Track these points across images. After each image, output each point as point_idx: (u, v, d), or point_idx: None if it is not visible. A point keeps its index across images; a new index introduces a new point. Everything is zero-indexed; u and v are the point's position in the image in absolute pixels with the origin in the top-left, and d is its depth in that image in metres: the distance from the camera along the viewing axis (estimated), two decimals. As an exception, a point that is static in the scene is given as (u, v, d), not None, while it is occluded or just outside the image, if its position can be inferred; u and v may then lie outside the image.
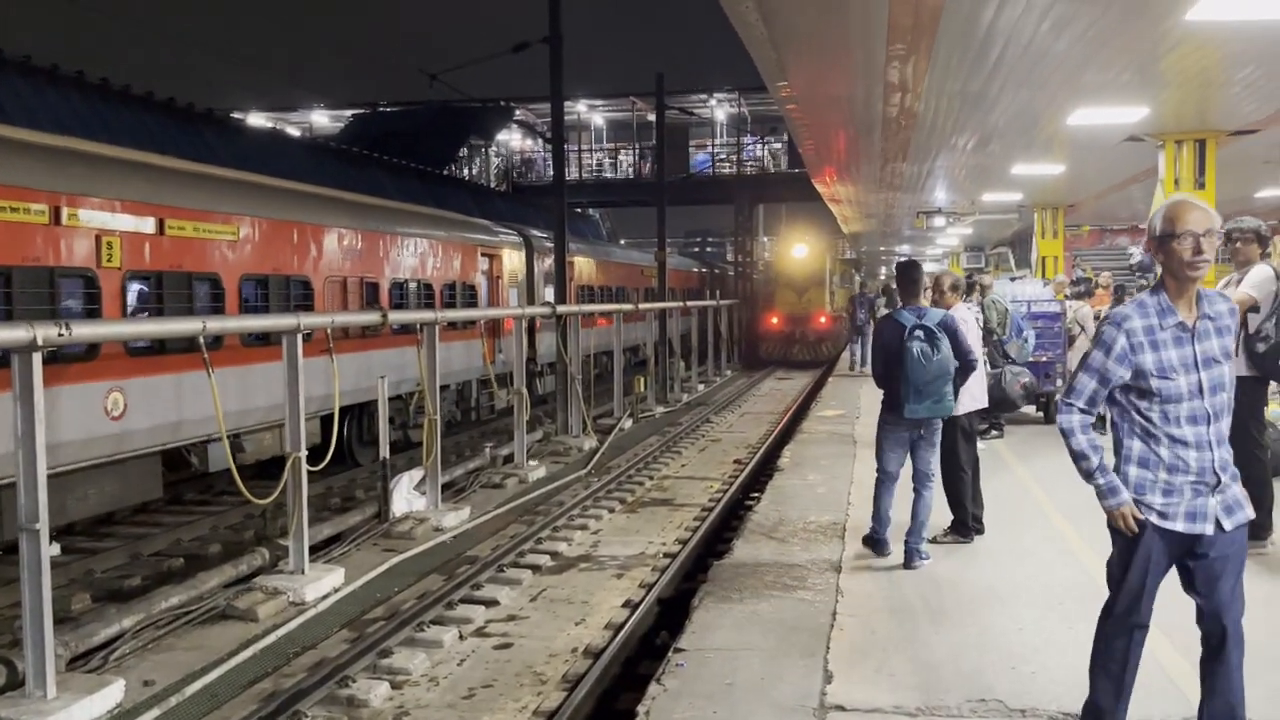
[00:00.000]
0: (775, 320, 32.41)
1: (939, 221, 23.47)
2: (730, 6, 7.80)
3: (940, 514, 7.81)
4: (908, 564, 7.26)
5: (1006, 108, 11.69)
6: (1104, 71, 9.81)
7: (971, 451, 7.91)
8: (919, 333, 7.02)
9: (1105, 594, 6.28)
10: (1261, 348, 6.81)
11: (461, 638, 7.45)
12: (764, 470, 13.23)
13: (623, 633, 7.30)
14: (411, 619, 7.62)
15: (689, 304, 26.61)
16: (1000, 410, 9.50)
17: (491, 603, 8.19)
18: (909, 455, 7.46)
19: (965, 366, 7.23)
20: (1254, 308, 6.86)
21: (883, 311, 21.65)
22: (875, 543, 7.58)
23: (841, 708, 4.79)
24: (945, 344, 7.05)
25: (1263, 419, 7.16)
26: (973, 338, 7.83)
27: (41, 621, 5.85)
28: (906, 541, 7.28)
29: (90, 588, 8.76)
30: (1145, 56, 9.26)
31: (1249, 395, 6.95)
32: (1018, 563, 7.27)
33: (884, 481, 7.53)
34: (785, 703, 4.89)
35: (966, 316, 8.02)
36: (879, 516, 7.54)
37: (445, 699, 6.39)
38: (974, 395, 7.86)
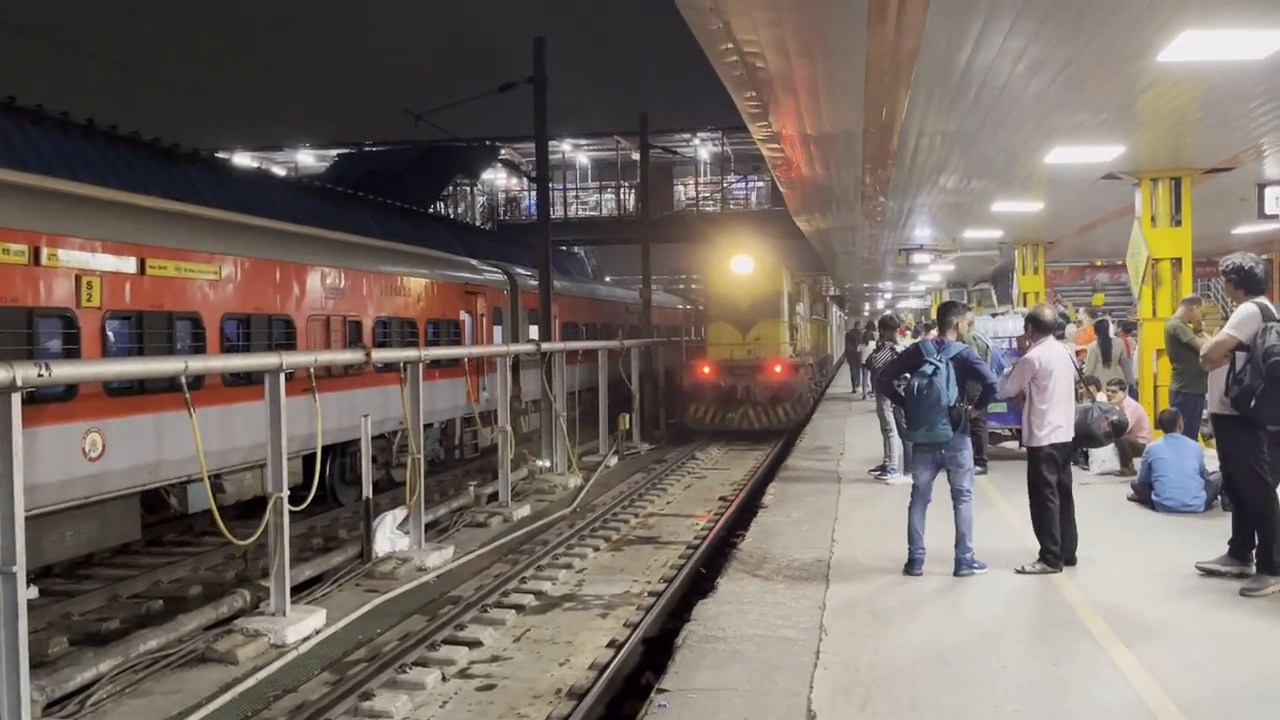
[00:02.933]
0: (707, 370, 21.86)
1: (920, 258, 23.65)
2: (711, 49, 7.91)
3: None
4: (956, 572, 7.80)
5: (985, 146, 11.85)
6: (1080, 111, 9.97)
7: (1061, 481, 7.93)
8: (926, 368, 7.74)
9: (1089, 629, 6.32)
10: (1236, 390, 6.77)
11: (444, 679, 7.38)
12: (749, 507, 13.19)
13: (607, 673, 7.25)
14: (393, 660, 7.56)
15: (674, 339, 26.65)
16: (1084, 445, 9.80)
17: (474, 643, 8.13)
18: (946, 476, 7.95)
19: (985, 391, 7.87)
20: (1240, 346, 6.79)
21: (867, 348, 21.84)
22: (910, 564, 7.99)
23: (825, 748, 4.75)
24: (943, 379, 7.62)
25: (1261, 455, 7.02)
26: (1065, 375, 7.93)
27: (17, 666, 5.78)
28: (955, 553, 7.86)
29: (68, 631, 8.66)
30: (1120, 97, 9.42)
31: (1240, 434, 6.93)
32: (1002, 600, 7.26)
33: (914, 501, 8.01)
34: (769, 743, 4.86)
35: (1052, 354, 7.93)
36: (911, 538, 7.99)
37: (427, 742, 6.32)
38: (1057, 426, 7.86)
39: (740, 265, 22.16)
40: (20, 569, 5.82)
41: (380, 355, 11.34)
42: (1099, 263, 28.75)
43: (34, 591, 9.41)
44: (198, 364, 8.48)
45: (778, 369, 21.57)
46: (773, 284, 22.32)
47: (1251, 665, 5.67)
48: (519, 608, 9.18)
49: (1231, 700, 5.20)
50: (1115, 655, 5.86)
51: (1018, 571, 7.81)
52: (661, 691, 5.58)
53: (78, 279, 9.30)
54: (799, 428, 20.11)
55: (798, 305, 24.81)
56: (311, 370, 9.52)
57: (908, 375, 8.03)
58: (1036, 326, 8.17)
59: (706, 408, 21.73)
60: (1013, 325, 14.90)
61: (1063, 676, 5.62)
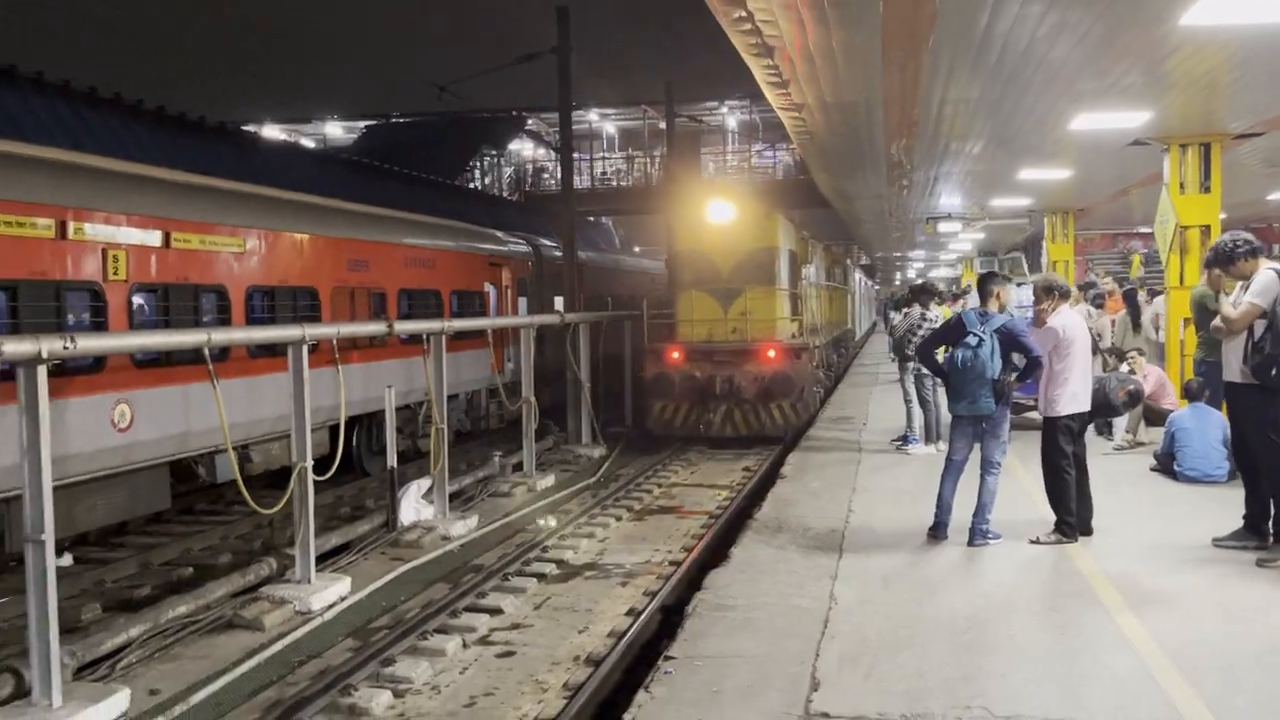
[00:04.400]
0: (676, 356, 16.51)
1: (949, 227, 23.42)
2: (725, 18, 7.86)
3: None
4: (970, 542, 7.81)
5: (1009, 113, 11.69)
6: (1104, 76, 9.80)
7: (1076, 451, 7.92)
8: (970, 339, 7.70)
9: (1100, 599, 6.33)
10: (1257, 359, 6.74)
11: (465, 646, 7.52)
12: (772, 477, 13.23)
13: (624, 640, 7.35)
14: (415, 627, 7.71)
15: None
16: (1102, 415, 9.85)
17: (495, 611, 8.26)
18: (979, 446, 7.97)
19: (1029, 364, 7.70)
20: (1262, 315, 6.78)
21: (898, 316, 21.20)
22: (935, 527, 8.09)
23: (826, 715, 4.82)
24: (987, 351, 7.59)
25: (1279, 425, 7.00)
26: (1081, 343, 7.95)
27: (47, 631, 5.95)
28: (972, 522, 7.86)
29: (101, 597, 8.89)
30: (1146, 60, 9.25)
31: (1258, 403, 6.90)
32: (1015, 570, 7.27)
33: (947, 470, 8.09)
34: (770, 710, 4.93)
35: (1073, 322, 7.98)
36: (939, 503, 8.09)
37: (446, 707, 6.46)
38: (1076, 396, 7.82)
39: (718, 213, 16.38)
40: (49, 537, 5.98)
41: (403, 327, 11.43)
42: (1138, 230, 28.28)
43: (68, 559, 9.73)
44: (220, 336, 8.62)
45: (771, 354, 16.22)
46: (765, 239, 16.71)
47: (1261, 635, 5.67)
48: (541, 576, 9.31)
49: (1238, 669, 5.21)
50: (1124, 624, 5.87)
51: (1032, 542, 7.81)
52: (669, 659, 5.67)
53: (104, 253, 9.45)
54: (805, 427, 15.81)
55: (804, 268, 19.11)
56: (334, 342, 9.64)
57: (949, 347, 7.97)
58: (1063, 294, 8.11)
59: (675, 406, 16.28)
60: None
61: (1071, 645, 5.64)
